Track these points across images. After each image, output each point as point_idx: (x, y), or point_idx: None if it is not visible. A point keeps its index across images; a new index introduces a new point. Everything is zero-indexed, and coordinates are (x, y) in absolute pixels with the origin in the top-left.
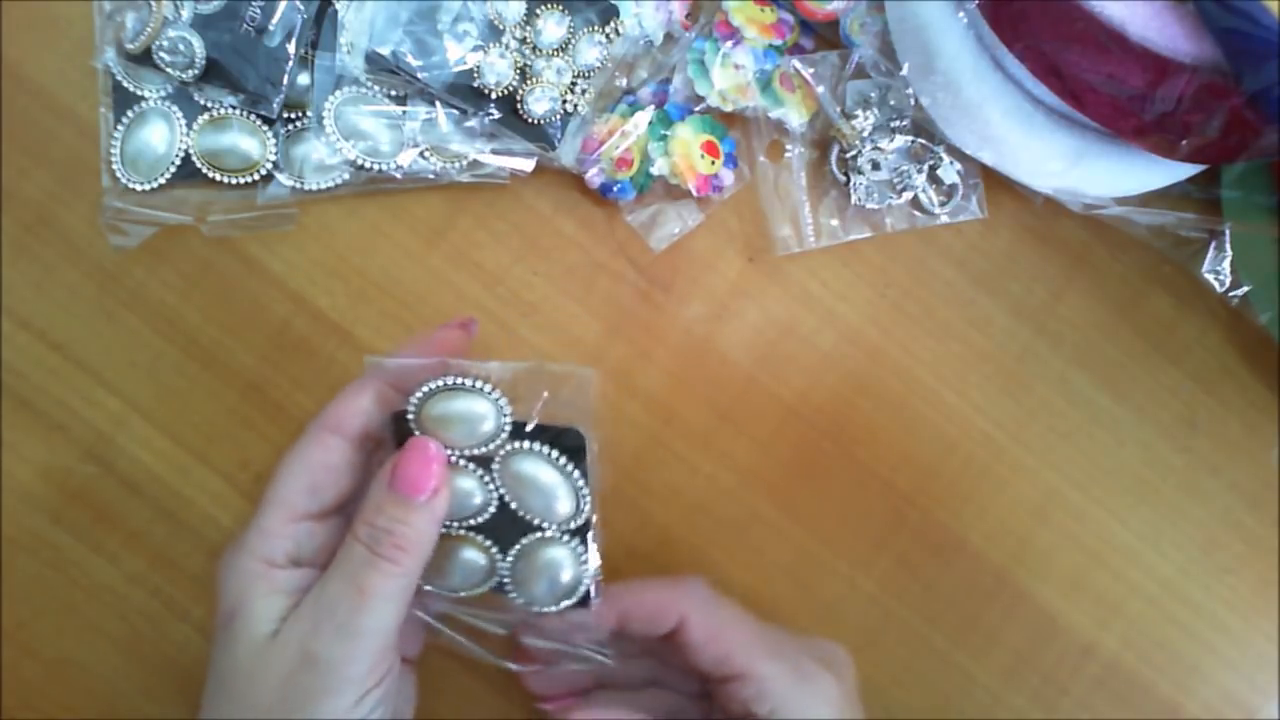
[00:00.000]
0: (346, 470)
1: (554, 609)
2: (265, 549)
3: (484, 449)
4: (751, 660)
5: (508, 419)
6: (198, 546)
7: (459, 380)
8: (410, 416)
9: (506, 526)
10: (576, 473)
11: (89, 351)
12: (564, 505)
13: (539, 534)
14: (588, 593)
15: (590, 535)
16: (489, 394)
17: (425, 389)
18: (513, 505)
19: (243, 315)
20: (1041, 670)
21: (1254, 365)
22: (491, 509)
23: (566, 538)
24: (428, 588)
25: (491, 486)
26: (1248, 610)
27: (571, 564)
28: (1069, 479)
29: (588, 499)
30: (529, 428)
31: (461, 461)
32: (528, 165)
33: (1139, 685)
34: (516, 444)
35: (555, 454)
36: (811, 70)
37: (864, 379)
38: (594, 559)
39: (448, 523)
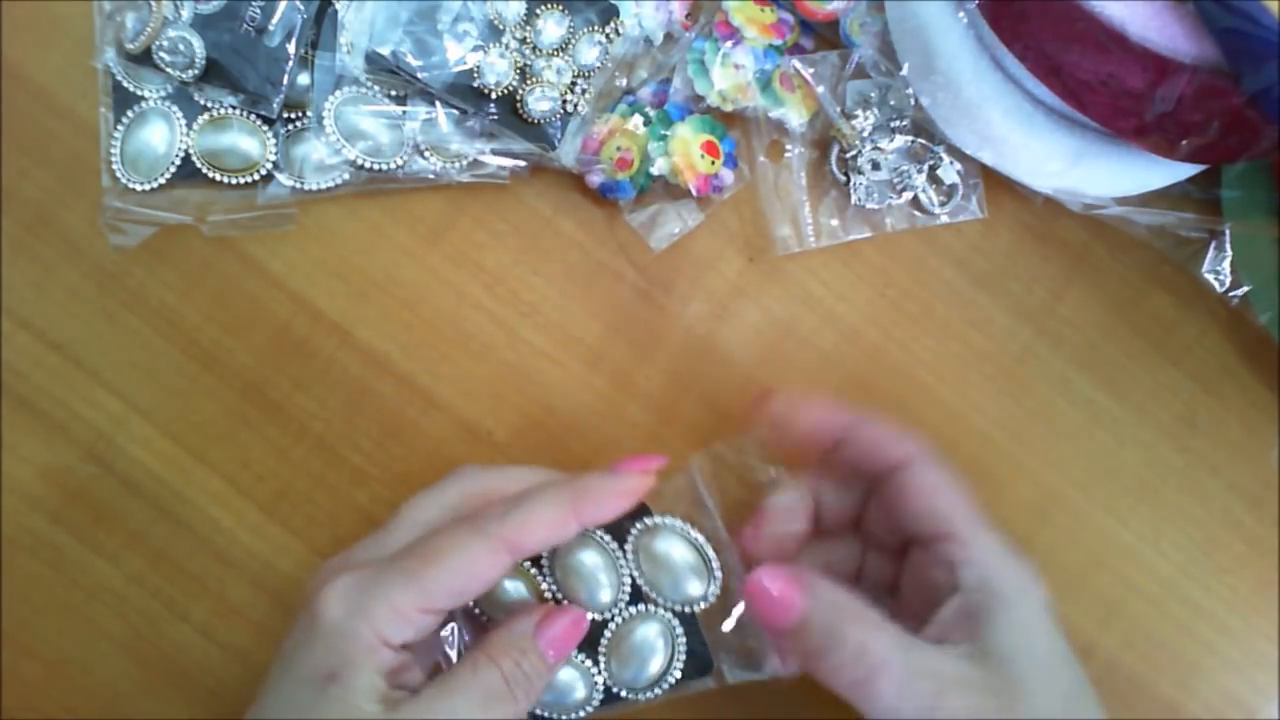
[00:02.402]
0: (493, 584)
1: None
2: (388, 627)
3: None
4: (970, 524)
5: (706, 602)
6: (198, 546)
7: (696, 539)
8: (639, 528)
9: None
10: (667, 684)
11: (89, 351)
12: (652, 666)
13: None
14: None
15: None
16: (714, 577)
17: (657, 523)
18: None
19: (243, 315)
20: None
21: (1254, 365)
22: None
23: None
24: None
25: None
26: (1248, 610)
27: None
28: (1069, 479)
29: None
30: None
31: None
32: (525, 166)
33: (1139, 685)
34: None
35: (678, 672)
36: (811, 70)
37: (864, 379)
38: None
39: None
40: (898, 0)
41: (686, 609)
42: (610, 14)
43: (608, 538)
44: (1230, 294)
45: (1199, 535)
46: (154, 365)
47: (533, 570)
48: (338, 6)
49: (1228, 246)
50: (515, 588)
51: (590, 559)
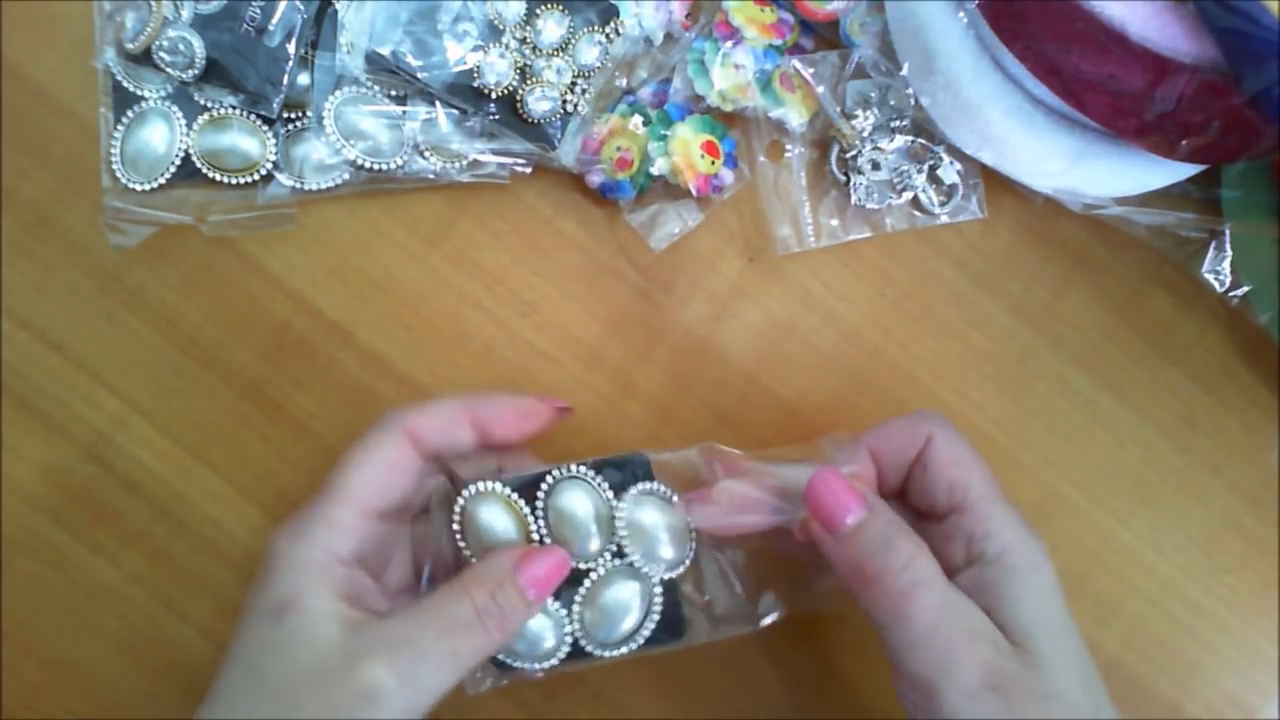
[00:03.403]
0: (413, 477)
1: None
2: (333, 542)
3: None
4: (989, 497)
5: (689, 550)
6: (198, 546)
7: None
8: (638, 490)
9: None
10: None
11: (89, 351)
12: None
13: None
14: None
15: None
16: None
17: (653, 489)
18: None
19: (243, 315)
20: None
21: (1254, 365)
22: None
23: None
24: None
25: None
26: (1248, 610)
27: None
28: (1069, 479)
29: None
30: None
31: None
32: (526, 167)
33: (1139, 685)
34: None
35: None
36: (811, 70)
37: (864, 379)
38: None
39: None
40: (898, 0)
41: (667, 573)
42: (610, 14)
43: (609, 492)
44: (1230, 294)
45: (1199, 535)
46: (154, 365)
47: (524, 509)
48: (338, 6)
49: (1228, 246)
50: (506, 530)
51: (583, 508)
